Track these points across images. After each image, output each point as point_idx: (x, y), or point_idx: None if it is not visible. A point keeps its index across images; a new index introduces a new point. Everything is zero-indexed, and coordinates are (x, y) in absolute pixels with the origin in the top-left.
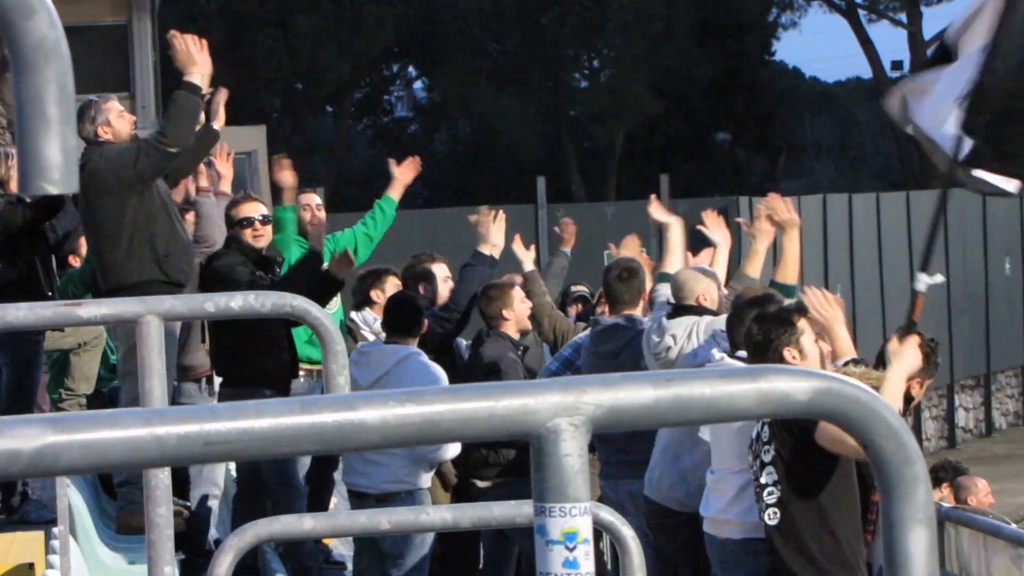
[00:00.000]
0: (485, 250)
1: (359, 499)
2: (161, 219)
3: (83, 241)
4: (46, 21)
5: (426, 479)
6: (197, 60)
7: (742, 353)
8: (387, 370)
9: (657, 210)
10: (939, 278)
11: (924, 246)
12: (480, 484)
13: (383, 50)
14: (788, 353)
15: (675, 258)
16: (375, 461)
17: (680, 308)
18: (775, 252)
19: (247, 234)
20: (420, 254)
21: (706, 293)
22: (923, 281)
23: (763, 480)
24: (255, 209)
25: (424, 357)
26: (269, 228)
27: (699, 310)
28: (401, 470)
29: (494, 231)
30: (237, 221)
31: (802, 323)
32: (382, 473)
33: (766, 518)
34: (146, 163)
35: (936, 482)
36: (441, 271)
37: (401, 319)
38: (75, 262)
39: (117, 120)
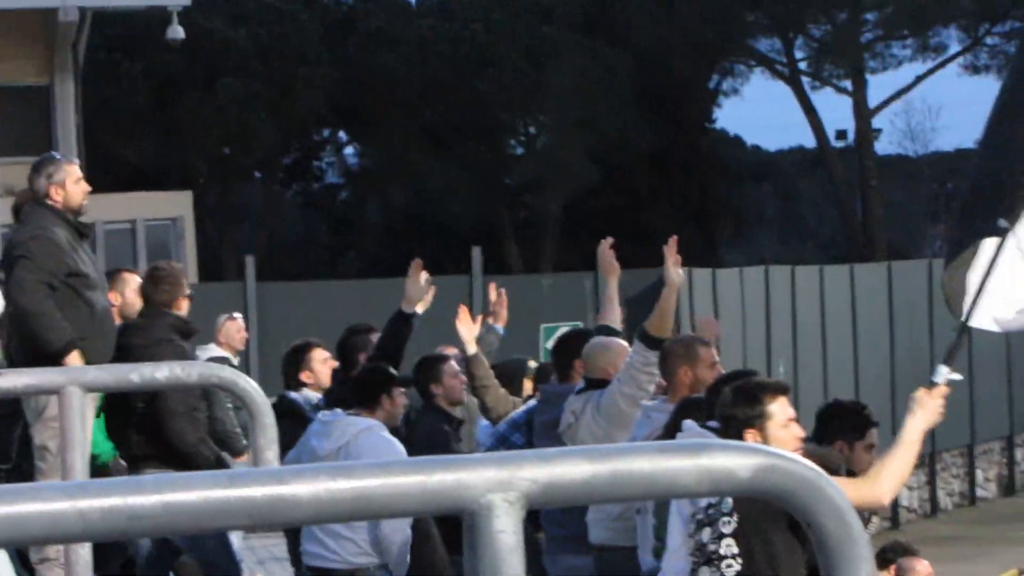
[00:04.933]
0: (406, 308)
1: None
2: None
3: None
4: None
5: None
6: None
7: (713, 423)
8: (346, 441)
9: (604, 255)
10: (957, 376)
11: (953, 342)
12: None
13: (314, 114)
14: (748, 435)
15: (613, 311)
16: (342, 535)
17: (590, 383)
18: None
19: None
20: (356, 325)
21: (611, 365)
22: (943, 374)
23: (722, 551)
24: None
25: (385, 431)
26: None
27: (605, 383)
28: (370, 542)
29: (410, 287)
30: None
31: (775, 405)
32: (350, 547)
33: None
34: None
35: (884, 563)
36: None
37: (366, 391)
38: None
39: (72, 186)
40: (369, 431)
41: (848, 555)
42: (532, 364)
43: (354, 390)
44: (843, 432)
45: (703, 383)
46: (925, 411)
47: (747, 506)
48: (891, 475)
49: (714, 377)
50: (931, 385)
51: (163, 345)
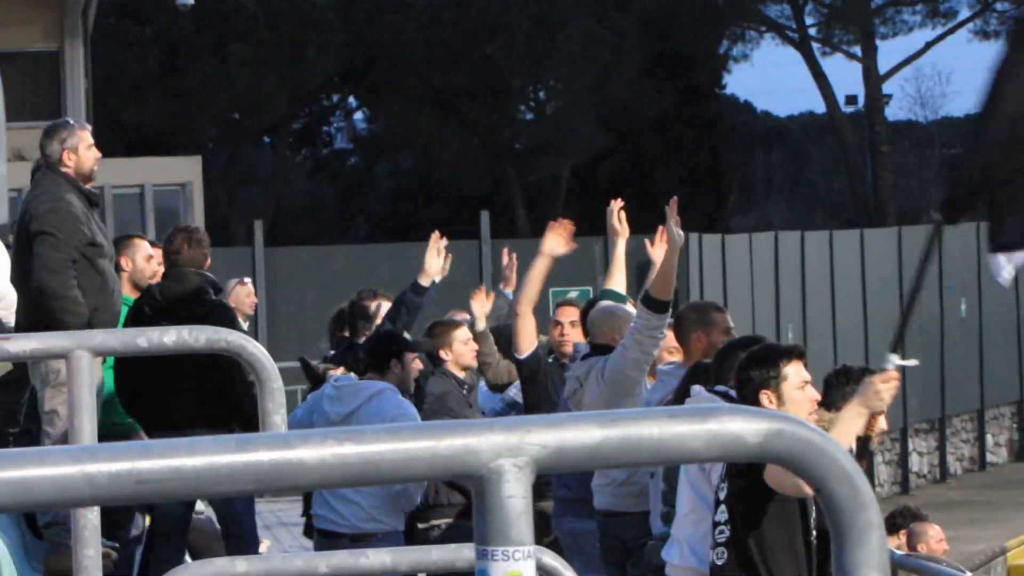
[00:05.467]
0: (423, 281)
1: (328, 539)
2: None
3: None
4: None
5: (402, 521)
6: None
7: (721, 388)
8: (359, 405)
9: (614, 217)
10: (913, 362)
11: (897, 328)
12: (422, 526)
13: (323, 80)
14: (764, 396)
15: (619, 274)
16: (349, 499)
17: (595, 347)
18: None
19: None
20: (362, 291)
21: (616, 331)
22: (893, 362)
23: (716, 518)
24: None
25: (398, 394)
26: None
27: (610, 349)
28: (378, 508)
29: (430, 259)
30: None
31: (790, 367)
32: (357, 512)
33: (714, 557)
34: None
35: (894, 528)
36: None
37: (377, 355)
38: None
39: (84, 152)
40: (381, 394)
41: (858, 520)
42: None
43: (367, 354)
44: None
45: (716, 349)
46: (865, 396)
47: (735, 470)
48: None
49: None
50: (883, 371)
51: (208, 304)
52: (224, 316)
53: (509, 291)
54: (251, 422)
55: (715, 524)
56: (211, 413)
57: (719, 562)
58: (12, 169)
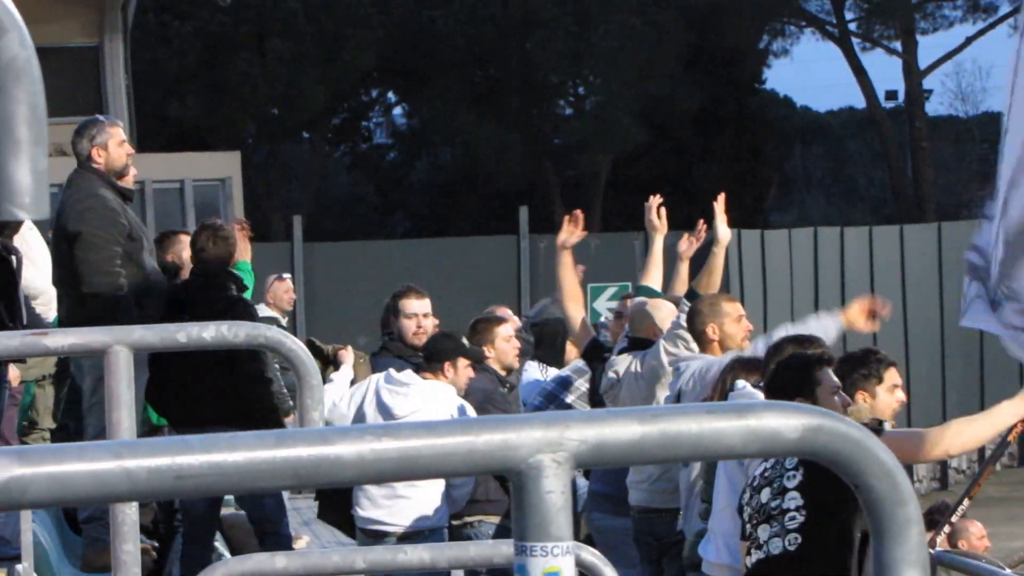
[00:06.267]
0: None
1: (374, 539)
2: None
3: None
4: (17, 40)
5: (446, 518)
6: None
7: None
8: (424, 403)
9: (652, 212)
10: None
11: None
12: (456, 523)
13: (362, 75)
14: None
15: (656, 271)
16: (402, 495)
17: (633, 342)
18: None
19: None
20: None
21: (656, 326)
22: None
23: (785, 506)
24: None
25: (456, 396)
26: None
27: (649, 343)
28: (428, 504)
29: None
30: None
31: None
32: (406, 508)
33: (785, 544)
34: None
35: (932, 524)
36: (422, 307)
37: (431, 356)
38: None
39: (115, 148)
40: (445, 395)
41: (897, 516)
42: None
43: (424, 353)
44: (862, 381)
45: (731, 338)
46: (1020, 402)
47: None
48: (960, 437)
49: (743, 331)
50: None
51: (227, 300)
52: (244, 313)
53: None
54: (267, 419)
55: (783, 511)
56: (229, 410)
57: (791, 548)
58: (52, 164)
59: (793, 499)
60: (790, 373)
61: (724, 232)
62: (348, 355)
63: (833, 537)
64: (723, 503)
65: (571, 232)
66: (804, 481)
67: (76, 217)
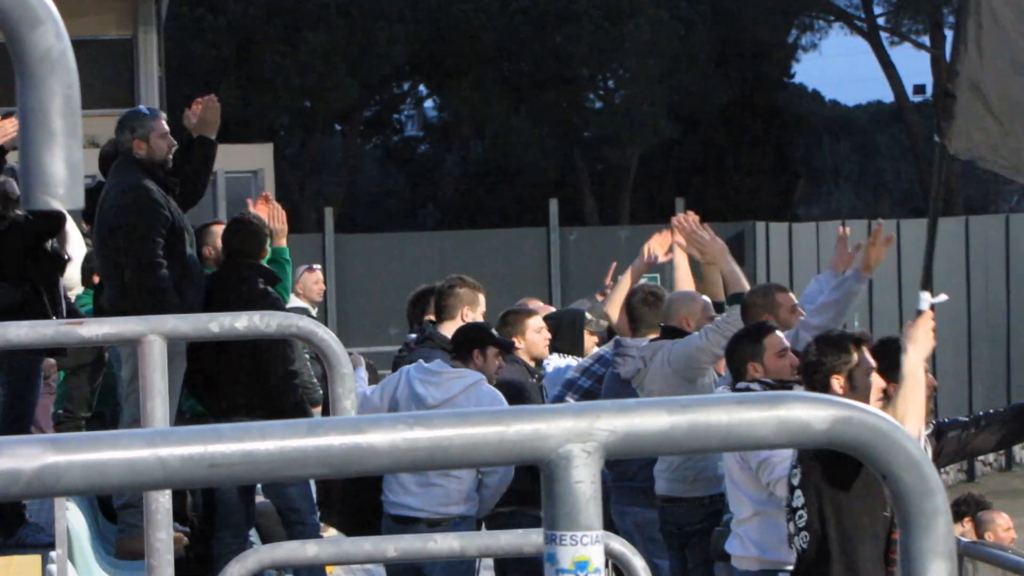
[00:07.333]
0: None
1: (403, 524)
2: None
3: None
4: (52, 32)
5: (475, 506)
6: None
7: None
8: (458, 392)
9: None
10: (942, 297)
11: (924, 264)
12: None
13: (394, 68)
14: (835, 381)
15: (684, 283)
16: (434, 483)
17: (666, 330)
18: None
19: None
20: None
21: (690, 316)
22: (925, 300)
23: (795, 504)
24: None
25: (488, 385)
26: None
27: (682, 333)
28: (460, 492)
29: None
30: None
31: (859, 354)
32: (440, 495)
33: (799, 543)
34: None
35: (958, 516)
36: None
37: (460, 345)
38: None
39: (156, 140)
40: (479, 384)
41: (924, 507)
42: (589, 316)
43: (452, 342)
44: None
45: (787, 327)
46: (916, 342)
47: (807, 457)
48: (906, 412)
49: (796, 321)
50: (917, 315)
51: (255, 292)
52: (271, 307)
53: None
54: (297, 409)
55: (793, 510)
56: (258, 400)
57: (804, 546)
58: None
59: (798, 497)
60: (826, 349)
61: (709, 238)
62: (359, 362)
63: (837, 533)
64: (747, 512)
65: (658, 244)
66: (802, 479)
67: (119, 208)
